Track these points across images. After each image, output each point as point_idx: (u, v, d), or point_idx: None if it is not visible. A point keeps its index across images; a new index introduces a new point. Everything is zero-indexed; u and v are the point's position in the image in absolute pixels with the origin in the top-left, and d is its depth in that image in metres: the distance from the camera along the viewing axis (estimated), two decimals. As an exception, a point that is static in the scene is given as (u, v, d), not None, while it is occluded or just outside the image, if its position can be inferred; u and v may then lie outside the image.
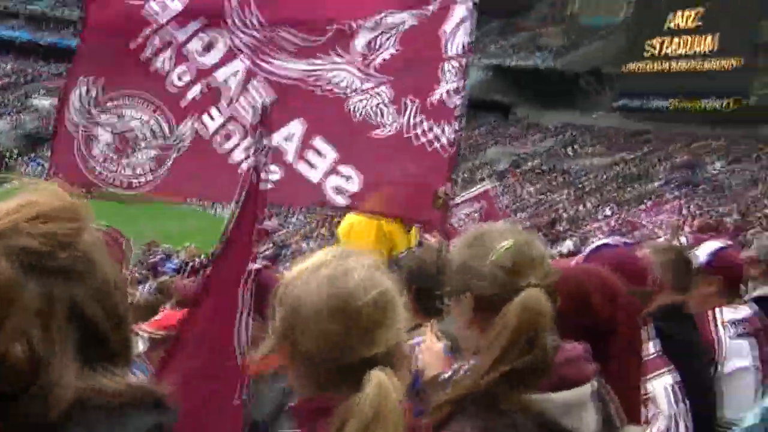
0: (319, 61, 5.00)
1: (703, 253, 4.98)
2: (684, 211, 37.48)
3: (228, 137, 4.96)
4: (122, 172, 4.92)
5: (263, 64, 4.96)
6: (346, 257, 2.06)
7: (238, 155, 4.90)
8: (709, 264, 4.88)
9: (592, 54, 61.59)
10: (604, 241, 4.10)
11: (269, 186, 4.59)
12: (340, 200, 4.97)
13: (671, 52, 54.54)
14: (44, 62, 76.68)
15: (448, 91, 5.09)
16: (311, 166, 4.95)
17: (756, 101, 50.62)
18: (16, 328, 1.16)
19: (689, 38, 53.41)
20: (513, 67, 59.07)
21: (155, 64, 4.93)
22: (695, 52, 53.20)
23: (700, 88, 51.51)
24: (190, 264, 23.14)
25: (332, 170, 4.94)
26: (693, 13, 53.18)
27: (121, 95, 4.93)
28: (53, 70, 75.24)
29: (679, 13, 53.96)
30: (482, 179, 33.94)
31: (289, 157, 4.94)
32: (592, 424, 2.39)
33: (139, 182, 4.96)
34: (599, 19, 65.74)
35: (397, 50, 5.10)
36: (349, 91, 5.03)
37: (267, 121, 3.62)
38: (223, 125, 4.99)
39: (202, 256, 23.65)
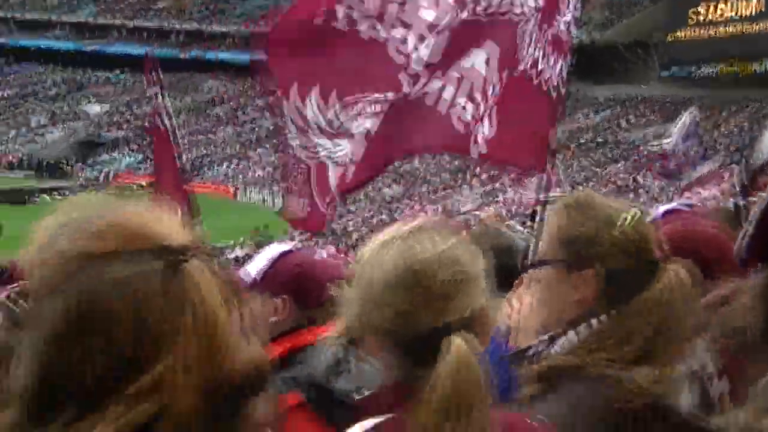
0: None
1: None
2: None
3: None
4: None
5: None
6: (422, 231, 1.97)
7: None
8: None
9: (637, 24, 61.28)
10: (672, 205, 3.92)
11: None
12: (479, 149, 4.40)
13: (717, 17, 54.12)
14: (91, 69, 77.76)
15: (568, 22, 4.50)
16: (464, 108, 4.34)
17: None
18: None
19: (734, 2, 52.98)
20: (558, 44, 58.54)
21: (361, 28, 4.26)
22: (741, 15, 52.78)
23: (747, 52, 51.14)
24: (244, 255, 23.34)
25: (480, 116, 4.34)
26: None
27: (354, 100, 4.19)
28: (100, 77, 76.36)
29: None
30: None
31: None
32: (686, 401, 2.24)
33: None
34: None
35: None
36: (519, 11, 4.39)
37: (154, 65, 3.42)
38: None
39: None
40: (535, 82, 4.43)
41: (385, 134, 4.27)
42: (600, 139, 54.95)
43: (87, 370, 1.15)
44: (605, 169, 48.45)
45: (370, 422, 1.88)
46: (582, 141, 55.35)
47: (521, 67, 4.43)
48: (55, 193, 53.22)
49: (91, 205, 1.26)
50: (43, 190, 54.02)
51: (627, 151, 51.48)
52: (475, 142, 4.33)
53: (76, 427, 1.14)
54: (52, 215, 1.25)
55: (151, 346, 1.16)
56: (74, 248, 1.19)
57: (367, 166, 4.31)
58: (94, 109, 72.35)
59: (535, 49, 4.41)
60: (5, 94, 77.41)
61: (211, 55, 74.67)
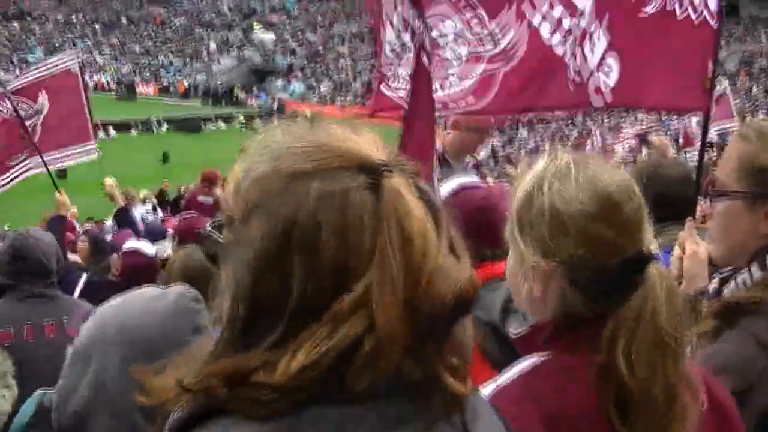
0: None
1: None
2: None
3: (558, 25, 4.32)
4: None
5: None
6: (592, 159, 1.87)
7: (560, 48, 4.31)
8: None
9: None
10: None
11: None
12: (597, 101, 4.35)
13: None
14: (260, -3, 78.92)
15: None
16: (589, 53, 4.29)
17: None
18: None
19: None
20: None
21: None
22: None
23: None
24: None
25: (600, 63, 4.28)
26: None
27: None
28: (269, 5, 77.40)
29: None
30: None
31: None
32: None
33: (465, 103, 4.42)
34: None
35: None
36: None
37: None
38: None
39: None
40: (682, 17, 4.26)
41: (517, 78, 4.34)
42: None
43: (292, 289, 1.13)
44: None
45: (530, 361, 1.82)
46: (755, 69, 53.05)
47: (652, 6, 4.29)
48: (227, 120, 54.46)
49: (289, 130, 1.25)
50: (217, 117, 55.49)
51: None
52: (597, 93, 4.29)
53: (281, 350, 1.13)
54: (250, 142, 1.25)
55: (354, 262, 1.13)
56: (275, 170, 1.18)
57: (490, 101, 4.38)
58: (265, 36, 73.58)
59: None
60: (177, 24, 79.55)
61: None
